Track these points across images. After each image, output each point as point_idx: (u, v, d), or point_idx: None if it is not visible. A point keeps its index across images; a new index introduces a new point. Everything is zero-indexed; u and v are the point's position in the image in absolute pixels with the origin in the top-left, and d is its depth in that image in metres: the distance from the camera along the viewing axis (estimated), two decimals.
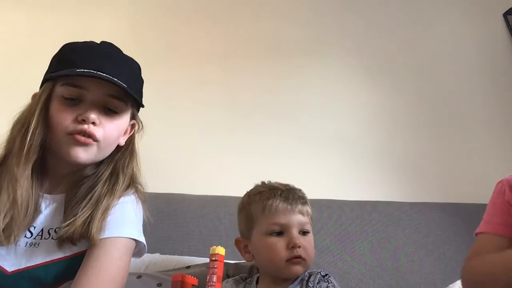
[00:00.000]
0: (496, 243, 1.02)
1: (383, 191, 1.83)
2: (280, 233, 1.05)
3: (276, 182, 1.14)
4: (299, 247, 1.03)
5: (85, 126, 0.93)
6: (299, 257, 1.02)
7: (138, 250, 1.03)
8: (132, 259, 1.07)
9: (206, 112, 1.91)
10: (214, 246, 0.91)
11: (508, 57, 2.04)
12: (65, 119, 0.94)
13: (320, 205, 1.64)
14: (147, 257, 1.43)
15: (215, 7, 2.05)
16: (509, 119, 1.96)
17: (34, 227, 0.95)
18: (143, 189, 1.07)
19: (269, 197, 1.08)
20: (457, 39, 2.06)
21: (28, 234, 0.95)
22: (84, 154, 0.94)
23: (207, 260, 1.19)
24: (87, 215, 0.93)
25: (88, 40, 1.11)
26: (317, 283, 1.02)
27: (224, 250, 0.92)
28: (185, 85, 1.95)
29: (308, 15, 2.07)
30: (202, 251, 1.53)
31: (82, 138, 0.93)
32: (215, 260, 0.89)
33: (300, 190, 1.13)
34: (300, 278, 1.06)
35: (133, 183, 1.05)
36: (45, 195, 0.99)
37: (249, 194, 1.14)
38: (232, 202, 1.67)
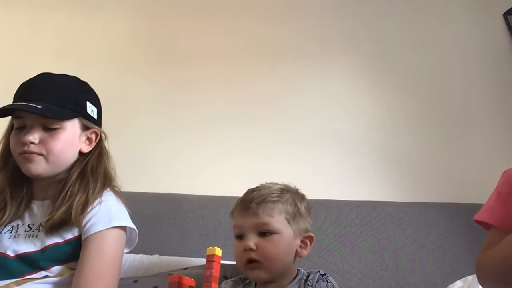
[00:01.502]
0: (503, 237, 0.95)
1: (383, 191, 1.83)
2: (241, 237, 1.05)
3: (267, 183, 1.13)
4: (251, 249, 1.01)
5: (25, 148, 1.13)
6: (253, 260, 1.01)
7: (129, 238, 1.20)
8: (131, 255, 1.16)
9: (206, 112, 1.91)
10: (211, 247, 0.92)
11: (508, 57, 2.03)
12: (15, 145, 1.16)
13: (320, 205, 1.64)
14: (146, 258, 1.43)
15: (215, 8, 2.05)
16: (509, 119, 1.95)
17: (33, 224, 1.16)
18: (119, 189, 1.24)
19: (238, 200, 1.10)
20: (457, 39, 2.06)
21: (27, 229, 1.15)
22: (34, 167, 1.14)
23: (205, 262, 1.19)
24: (64, 208, 1.12)
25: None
26: (316, 281, 1.02)
27: (220, 251, 0.93)
28: (184, 86, 1.95)
29: (308, 15, 2.07)
30: (202, 251, 1.52)
31: (26, 155, 1.13)
32: (212, 261, 0.90)
33: (270, 188, 1.09)
34: (298, 278, 1.06)
35: (109, 183, 1.21)
36: (35, 201, 1.20)
37: None
38: (232, 203, 1.67)
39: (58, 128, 1.15)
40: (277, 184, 1.12)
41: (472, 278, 1.35)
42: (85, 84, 1.26)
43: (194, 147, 1.86)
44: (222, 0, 2.07)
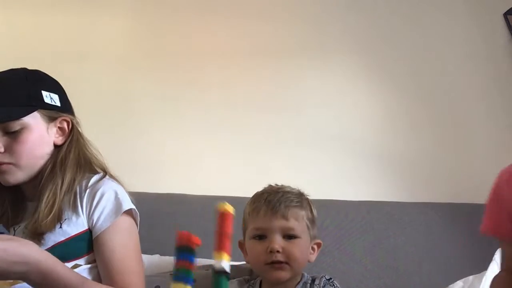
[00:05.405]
0: None
1: (383, 191, 1.83)
2: (262, 237, 1.04)
3: (277, 185, 1.13)
4: (278, 251, 1.01)
5: None
6: (278, 262, 1.01)
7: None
8: None
9: (206, 112, 1.91)
10: (221, 203, 0.79)
11: (508, 57, 2.03)
12: None
13: (320, 205, 1.62)
14: (146, 258, 1.43)
15: (215, 6, 2.05)
16: (509, 119, 1.96)
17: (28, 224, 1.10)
18: (107, 170, 1.18)
19: (256, 200, 1.08)
20: (457, 39, 2.06)
21: (24, 229, 1.08)
22: (10, 178, 1.08)
23: (207, 261, 1.19)
24: (43, 212, 1.05)
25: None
26: (323, 286, 1.03)
27: (232, 208, 0.79)
28: (184, 85, 1.95)
29: (309, 13, 2.06)
30: (202, 251, 1.52)
31: None
32: (224, 218, 0.78)
33: (292, 193, 1.09)
34: (303, 282, 1.06)
35: (89, 167, 1.15)
36: (28, 202, 1.14)
37: (252, 197, 1.13)
38: (232, 202, 1.64)
39: (20, 129, 1.07)
40: (290, 187, 1.12)
41: (472, 279, 1.35)
42: (35, 72, 1.16)
43: (194, 147, 1.86)
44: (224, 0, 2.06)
